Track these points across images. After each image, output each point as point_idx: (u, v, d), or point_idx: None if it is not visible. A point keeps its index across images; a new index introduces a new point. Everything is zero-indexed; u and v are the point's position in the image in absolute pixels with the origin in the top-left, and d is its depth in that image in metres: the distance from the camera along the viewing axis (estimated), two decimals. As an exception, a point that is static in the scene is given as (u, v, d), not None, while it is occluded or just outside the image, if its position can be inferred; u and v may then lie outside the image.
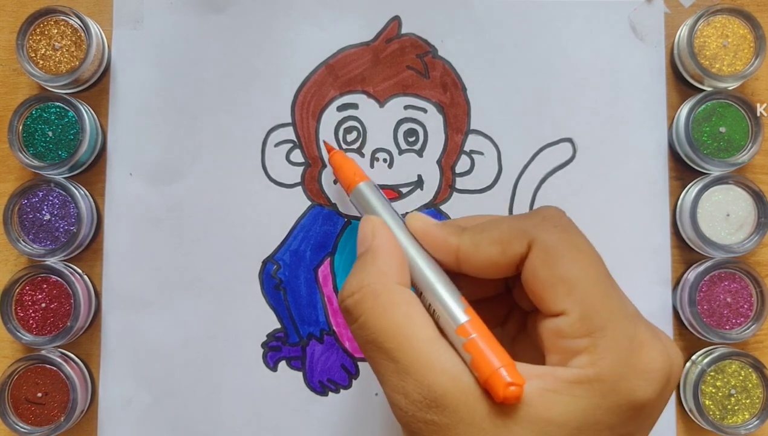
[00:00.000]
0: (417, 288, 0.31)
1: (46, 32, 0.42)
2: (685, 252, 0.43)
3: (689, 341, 0.43)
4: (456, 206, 0.43)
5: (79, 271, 0.42)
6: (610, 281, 0.30)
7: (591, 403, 0.27)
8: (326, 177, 0.43)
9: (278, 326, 0.42)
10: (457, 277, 0.32)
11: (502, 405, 0.27)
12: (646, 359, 0.28)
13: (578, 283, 0.28)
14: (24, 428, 0.40)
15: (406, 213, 0.36)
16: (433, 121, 0.43)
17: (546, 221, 0.30)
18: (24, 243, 0.41)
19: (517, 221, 0.31)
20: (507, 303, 0.35)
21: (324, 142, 0.42)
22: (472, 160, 0.43)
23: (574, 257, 0.29)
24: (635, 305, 0.30)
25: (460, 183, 0.43)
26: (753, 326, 0.41)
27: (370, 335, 0.29)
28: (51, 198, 0.41)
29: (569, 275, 0.29)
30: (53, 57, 0.42)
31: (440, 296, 0.30)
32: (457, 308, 0.29)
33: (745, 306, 0.41)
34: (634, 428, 0.28)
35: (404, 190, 0.43)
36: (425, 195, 0.43)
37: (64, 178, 0.42)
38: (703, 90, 0.42)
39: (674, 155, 0.43)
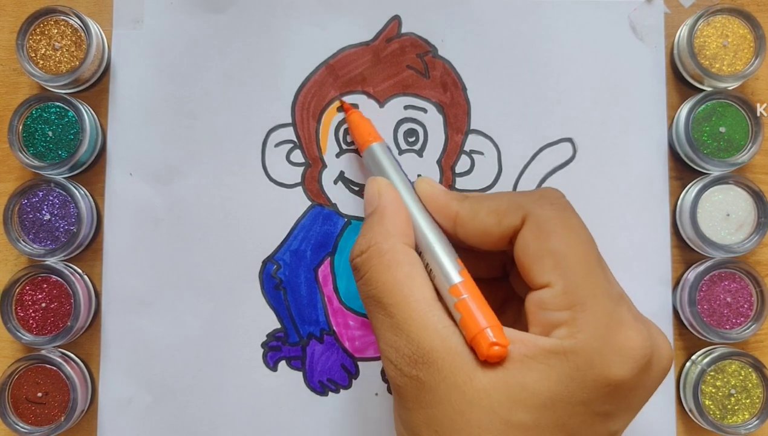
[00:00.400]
0: (418, 247, 0.32)
1: (46, 32, 0.42)
2: (685, 252, 0.43)
3: (689, 341, 0.43)
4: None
5: (79, 271, 0.42)
6: (598, 261, 0.30)
7: (565, 374, 0.28)
8: (326, 177, 0.43)
9: (278, 325, 0.42)
10: (457, 251, 0.33)
11: (485, 369, 0.28)
12: (623, 338, 0.28)
13: (565, 257, 0.29)
14: (24, 428, 0.40)
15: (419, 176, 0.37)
16: (433, 121, 0.43)
17: (543, 199, 0.32)
18: (24, 243, 0.41)
19: (516, 195, 0.33)
20: (504, 290, 0.36)
21: (341, 101, 0.42)
22: (472, 160, 0.43)
23: (565, 234, 0.30)
24: (622, 289, 0.31)
25: (460, 183, 0.43)
26: (753, 326, 0.41)
27: (371, 291, 0.31)
28: (51, 198, 0.41)
29: (557, 249, 0.30)
30: (53, 57, 0.42)
31: (438, 256, 0.32)
32: (452, 269, 0.31)
33: (745, 306, 0.41)
34: (610, 407, 0.28)
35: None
36: (425, 195, 0.43)
37: (64, 178, 0.42)
38: (703, 90, 0.42)
39: (674, 155, 0.43)
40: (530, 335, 0.29)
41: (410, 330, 0.29)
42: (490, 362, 0.28)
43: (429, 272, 0.31)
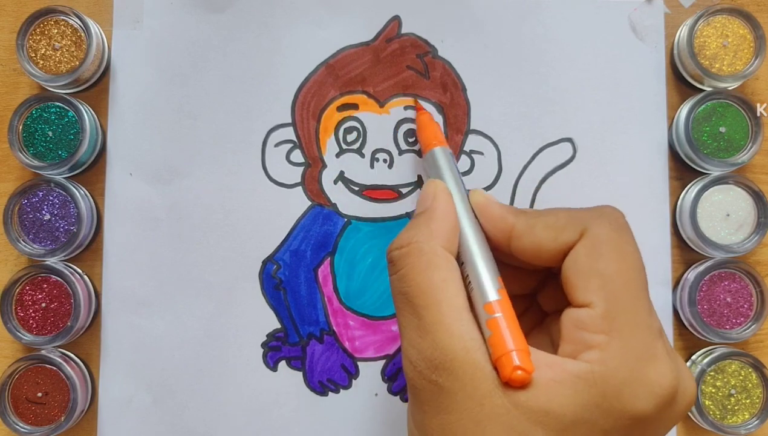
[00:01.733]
0: (460, 258, 0.32)
1: (46, 32, 0.42)
2: (685, 252, 0.43)
3: (689, 341, 0.43)
4: (456, 206, 0.43)
5: (79, 271, 0.42)
6: (644, 290, 0.30)
7: (591, 400, 0.27)
8: (326, 177, 0.43)
9: (278, 325, 0.42)
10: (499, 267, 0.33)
11: (506, 389, 0.27)
12: (654, 373, 0.28)
13: (612, 281, 0.29)
14: (24, 428, 0.40)
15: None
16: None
17: (603, 217, 0.31)
18: (24, 243, 0.41)
19: (574, 211, 0.32)
20: (524, 304, 0.35)
21: (415, 101, 0.42)
22: (472, 160, 0.43)
23: (618, 257, 0.30)
24: (661, 324, 0.30)
25: (460, 183, 0.43)
26: (753, 326, 0.41)
27: (404, 288, 0.30)
28: (51, 198, 0.41)
29: (607, 271, 0.29)
30: (53, 57, 0.42)
31: (479, 269, 0.31)
32: (491, 285, 0.30)
33: (745, 306, 0.41)
34: None
35: (404, 190, 0.43)
36: (425, 195, 0.43)
37: (64, 178, 0.42)
38: (703, 90, 0.42)
39: (674, 155, 0.43)
40: (559, 359, 0.28)
41: (436, 334, 0.29)
42: (511, 385, 0.27)
43: (467, 284, 0.31)
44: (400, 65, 0.43)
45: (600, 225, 0.30)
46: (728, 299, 0.41)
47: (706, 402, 0.41)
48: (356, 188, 0.43)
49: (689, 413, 0.41)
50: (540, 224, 0.31)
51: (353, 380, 0.42)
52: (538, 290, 0.35)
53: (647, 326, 0.29)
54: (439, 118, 0.43)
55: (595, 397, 0.27)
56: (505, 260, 0.33)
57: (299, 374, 0.42)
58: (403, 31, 0.43)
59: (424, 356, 0.29)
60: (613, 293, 0.29)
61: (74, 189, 0.41)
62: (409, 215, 0.43)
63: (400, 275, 0.31)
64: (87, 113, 0.42)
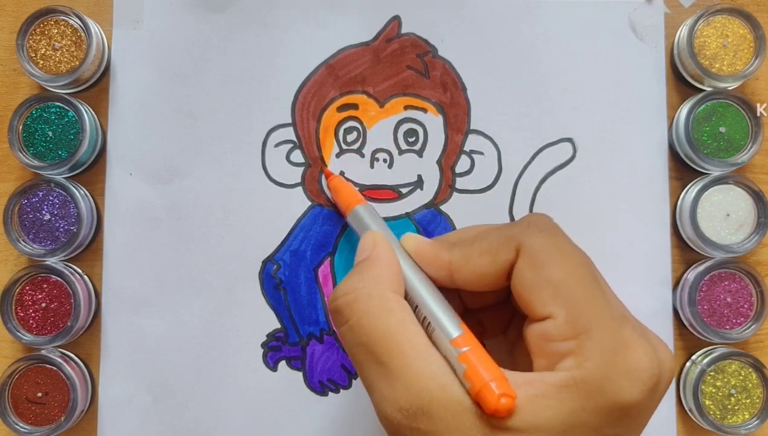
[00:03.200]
0: (412, 302, 0.31)
1: (46, 32, 0.42)
2: (685, 252, 0.43)
3: (689, 341, 0.43)
4: (456, 206, 0.43)
5: (79, 271, 0.42)
6: (597, 283, 0.30)
7: (577, 405, 0.27)
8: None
9: (278, 326, 0.42)
10: (456, 290, 0.33)
11: (491, 418, 0.27)
12: (631, 360, 0.28)
13: (563, 286, 0.29)
14: (24, 428, 0.40)
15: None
16: (433, 121, 0.43)
17: (532, 227, 0.31)
18: (24, 243, 0.41)
19: (503, 229, 0.31)
20: (510, 310, 0.35)
21: (323, 168, 0.42)
22: (472, 160, 0.43)
23: (560, 261, 0.29)
24: (625, 306, 0.30)
25: (460, 183, 0.43)
26: (753, 326, 0.41)
27: (361, 338, 0.29)
28: (51, 198, 0.41)
29: (554, 278, 0.29)
30: (53, 57, 0.42)
31: (435, 308, 0.31)
32: (452, 322, 0.30)
33: (745, 306, 0.41)
34: (621, 429, 0.28)
35: (404, 190, 0.43)
36: (425, 195, 0.43)
37: (64, 178, 0.42)
38: (703, 90, 0.42)
39: (674, 155, 0.43)
40: (536, 375, 0.28)
41: (407, 379, 0.28)
42: (498, 415, 0.27)
43: (427, 326, 0.30)
44: (400, 65, 0.43)
45: (532, 236, 0.30)
46: (728, 299, 0.41)
47: (706, 402, 0.41)
48: (356, 188, 0.43)
49: (689, 413, 0.42)
50: (475, 253, 0.31)
51: (353, 380, 0.42)
52: (506, 296, 0.34)
53: (611, 317, 0.28)
54: (439, 118, 0.43)
55: (580, 401, 0.27)
56: (453, 290, 0.33)
57: (299, 374, 0.42)
58: (403, 31, 0.43)
59: (398, 407, 0.28)
60: (567, 296, 0.28)
61: (74, 189, 0.41)
62: (409, 215, 0.43)
63: (351, 324, 0.30)
64: (87, 113, 0.42)
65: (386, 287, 0.31)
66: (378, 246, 0.33)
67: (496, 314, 0.35)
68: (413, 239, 0.34)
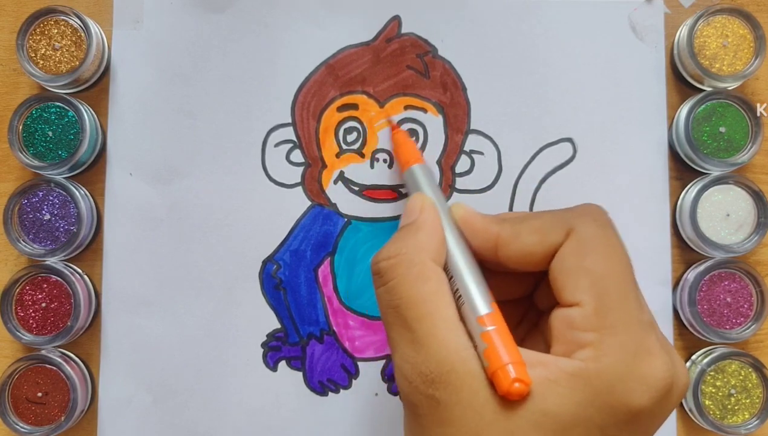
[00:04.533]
0: (449, 272, 0.32)
1: (46, 32, 0.42)
2: (685, 252, 0.43)
3: (689, 341, 0.43)
4: (456, 206, 0.43)
5: (79, 271, 0.42)
6: (633, 285, 0.30)
7: (586, 398, 0.27)
8: (326, 177, 0.43)
9: (278, 325, 0.42)
10: (488, 276, 0.32)
11: (502, 397, 0.27)
12: (648, 367, 0.28)
13: (601, 278, 0.29)
14: (24, 428, 0.40)
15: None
16: (433, 121, 0.43)
17: (586, 215, 0.31)
18: (24, 243, 0.41)
19: (558, 212, 0.32)
20: (524, 306, 0.35)
21: (389, 120, 0.42)
22: (472, 160, 0.43)
23: (605, 253, 0.30)
24: (653, 315, 0.30)
25: (460, 183, 0.43)
26: (753, 326, 0.41)
27: (395, 301, 0.30)
28: (51, 198, 0.41)
29: (595, 269, 0.29)
30: (53, 57, 0.42)
31: (469, 283, 0.31)
32: (482, 299, 0.30)
33: (745, 306, 0.41)
34: (626, 434, 0.28)
35: (404, 190, 0.43)
36: (425, 195, 0.43)
37: (64, 178, 0.42)
38: (703, 90, 0.42)
39: (674, 155, 0.43)
40: (552, 358, 0.28)
41: (431, 347, 0.28)
42: (509, 398, 0.27)
43: (458, 299, 0.31)
44: (400, 65, 0.43)
45: (585, 223, 0.30)
46: (728, 299, 0.41)
47: (706, 402, 0.41)
48: (356, 188, 0.43)
49: (689, 413, 0.42)
50: (525, 230, 0.31)
51: (353, 380, 0.42)
52: (534, 290, 0.35)
53: (638, 321, 0.29)
54: (439, 118, 0.43)
55: (591, 394, 0.27)
56: (494, 268, 0.33)
57: (299, 374, 0.42)
58: (403, 31, 0.43)
59: (418, 371, 0.28)
60: (602, 290, 0.29)
61: (74, 189, 0.41)
62: (409, 215, 0.43)
63: (389, 287, 0.30)
64: (87, 113, 0.42)
65: (427, 255, 0.31)
66: (424, 211, 0.33)
67: (511, 310, 0.35)
68: (463, 209, 0.34)
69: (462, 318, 0.30)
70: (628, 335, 0.28)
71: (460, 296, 0.31)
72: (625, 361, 0.28)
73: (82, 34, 0.42)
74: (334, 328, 0.42)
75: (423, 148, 0.43)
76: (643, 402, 0.27)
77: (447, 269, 0.32)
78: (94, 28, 0.42)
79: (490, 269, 0.33)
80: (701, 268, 0.41)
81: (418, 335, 0.29)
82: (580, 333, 0.28)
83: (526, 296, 0.35)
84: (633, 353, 0.28)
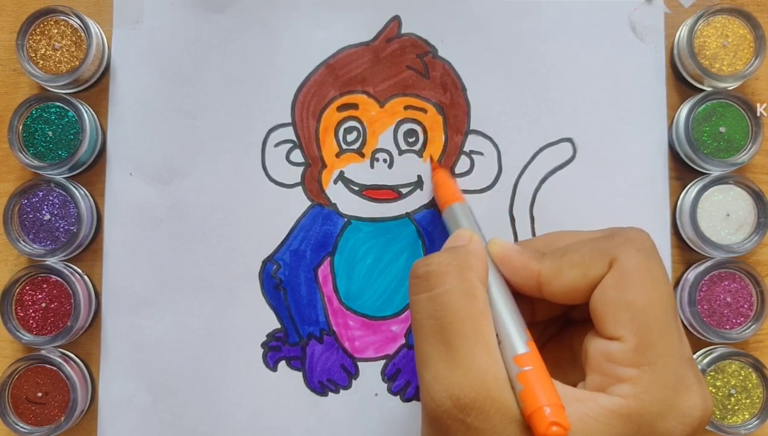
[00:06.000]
0: None
1: (46, 32, 0.42)
2: (685, 252, 0.43)
3: (689, 341, 0.42)
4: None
5: (79, 271, 0.42)
6: (674, 317, 0.29)
7: (625, 434, 0.27)
8: (326, 177, 0.43)
9: (278, 326, 0.42)
10: (531, 299, 0.32)
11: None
12: (688, 404, 0.27)
13: (642, 312, 0.28)
14: (24, 428, 0.40)
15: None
16: (433, 121, 0.43)
17: (629, 243, 0.30)
18: (24, 243, 0.41)
19: (599, 242, 0.30)
20: (552, 329, 0.35)
21: (431, 158, 0.42)
22: (472, 161, 0.43)
23: (648, 287, 0.29)
24: (689, 346, 0.30)
25: (460, 183, 0.43)
26: (753, 326, 0.41)
27: (438, 311, 0.28)
28: (51, 198, 0.41)
29: (637, 303, 0.28)
30: (53, 57, 0.42)
31: (507, 320, 0.30)
32: (520, 337, 0.29)
33: (745, 306, 0.41)
34: None
35: (404, 190, 0.43)
36: (425, 195, 0.43)
37: (64, 178, 0.42)
38: (703, 90, 0.42)
39: (674, 155, 0.43)
40: (590, 394, 0.28)
41: (470, 370, 0.27)
42: None
43: (496, 335, 0.30)
44: (400, 65, 0.43)
45: (627, 253, 0.29)
46: (728, 299, 0.41)
47: (706, 402, 0.41)
48: (356, 188, 0.43)
49: (689, 413, 0.42)
50: (566, 265, 0.30)
51: (353, 380, 0.42)
52: (572, 310, 0.34)
53: (679, 356, 0.28)
54: (439, 118, 0.43)
55: (629, 431, 0.27)
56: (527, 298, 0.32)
57: (299, 374, 0.42)
58: (403, 31, 0.43)
59: (451, 393, 0.27)
60: (644, 325, 0.28)
61: (74, 189, 0.41)
62: (409, 215, 0.43)
63: (435, 294, 0.29)
64: (87, 113, 0.42)
65: (476, 275, 0.30)
66: (474, 242, 0.33)
67: (540, 330, 0.34)
68: (500, 246, 0.33)
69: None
70: (668, 371, 0.28)
71: (497, 333, 0.30)
72: (665, 399, 0.27)
73: (82, 34, 0.42)
74: (334, 328, 0.42)
75: (423, 148, 0.43)
76: (679, 435, 0.27)
77: None
78: (94, 28, 0.42)
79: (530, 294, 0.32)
80: (701, 268, 0.41)
81: (456, 353, 0.28)
82: (619, 368, 0.28)
83: (557, 318, 0.34)
84: (673, 389, 0.27)
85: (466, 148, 0.43)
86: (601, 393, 0.28)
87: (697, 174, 0.43)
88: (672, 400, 0.27)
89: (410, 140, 0.43)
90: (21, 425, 0.40)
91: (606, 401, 0.27)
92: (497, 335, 0.29)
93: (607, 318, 0.29)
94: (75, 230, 0.41)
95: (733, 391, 0.41)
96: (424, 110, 0.43)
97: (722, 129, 0.42)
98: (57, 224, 0.41)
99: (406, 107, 0.43)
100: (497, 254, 0.33)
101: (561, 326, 0.34)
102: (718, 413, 0.41)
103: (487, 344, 0.28)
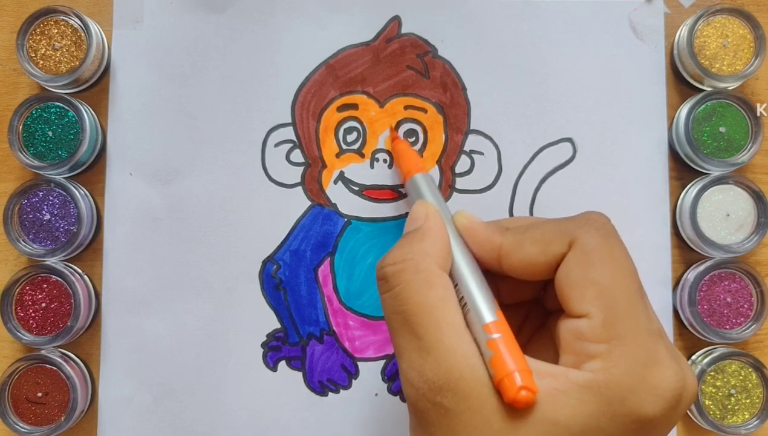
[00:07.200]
0: (453, 280, 0.32)
1: (46, 32, 0.42)
2: (685, 252, 0.43)
3: (689, 341, 0.43)
4: (456, 206, 0.42)
5: (79, 271, 0.42)
6: (641, 293, 0.30)
7: (597, 409, 0.27)
8: (326, 177, 0.43)
9: (278, 326, 0.42)
10: (496, 280, 0.32)
11: (509, 405, 0.27)
12: (659, 377, 0.28)
13: (608, 289, 0.29)
14: (24, 428, 0.40)
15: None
16: (433, 121, 0.43)
17: (589, 224, 0.30)
18: (24, 243, 0.41)
19: (560, 222, 0.31)
20: (532, 306, 0.35)
21: (391, 128, 0.42)
22: (472, 160, 0.43)
23: (610, 264, 0.29)
24: (660, 323, 0.30)
25: (460, 183, 0.43)
26: (753, 326, 0.41)
27: (401, 307, 0.30)
28: (51, 198, 0.41)
29: (601, 280, 0.29)
30: (53, 57, 0.42)
31: (474, 291, 0.31)
32: (488, 306, 0.30)
33: (745, 306, 0.41)
34: None
35: (404, 190, 0.43)
36: (425, 195, 0.43)
37: (64, 178, 0.42)
38: (703, 90, 0.42)
39: (674, 155, 0.43)
40: (562, 369, 0.28)
41: (438, 354, 0.28)
42: (516, 406, 0.27)
43: (463, 306, 0.31)
44: (400, 65, 0.43)
45: (588, 233, 0.30)
46: (728, 299, 0.41)
47: (706, 402, 0.41)
48: (356, 188, 0.43)
49: (689, 413, 0.42)
50: (527, 240, 0.31)
51: (353, 380, 0.42)
52: (543, 293, 0.35)
53: (647, 330, 0.28)
54: (439, 118, 0.43)
55: (601, 405, 0.27)
56: (498, 275, 0.33)
57: (299, 374, 0.42)
58: (403, 31, 0.43)
59: (425, 378, 0.28)
60: (609, 301, 0.29)
61: (74, 189, 0.41)
62: (409, 215, 0.43)
63: (395, 292, 0.30)
64: (87, 113, 0.42)
65: (433, 262, 0.31)
66: (429, 218, 0.33)
67: (516, 308, 0.35)
68: (466, 218, 0.34)
69: (468, 326, 0.30)
70: (637, 345, 0.28)
71: (465, 303, 0.30)
72: (635, 372, 0.27)
73: (82, 34, 0.42)
74: (334, 328, 0.42)
75: (423, 148, 0.43)
76: (654, 412, 0.27)
77: (451, 276, 0.32)
78: (94, 28, 0.42)
79: (497, 274, 0.33)
80: (701, 268, 0.41)
81: (424, 342, 0.29)
82: (588, 344, 0.28)
83: (536, 299, 0.35)
84: (643, 363, 0.28)
85: (467, 148, 0.43)
86: (573, 369, 0.28)
87: (697, 174, 0.43)
88: (642, 373, 0.28)
89: (410, 140, 0.43)
90: (21, 425, 0.40)
91: (576, 376, 0.28)
92: (466, 305, 0.30)
93: (573, 296, 0.29)
94: (75, 230, 0.41)
95: (733, 391, 0.41)
96: (424, 110, 0.43)
97: (722, 129, 0.42)
98: (57, 224, 0.41)
99: (406, 107, 0.43)
100: (462, 226, 0.33)
101: (542, 319, 0.34)
102: (718, 413, 0.41)
103: (452, 326, 0.29)
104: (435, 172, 0.43)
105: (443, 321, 0.29)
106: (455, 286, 0.31)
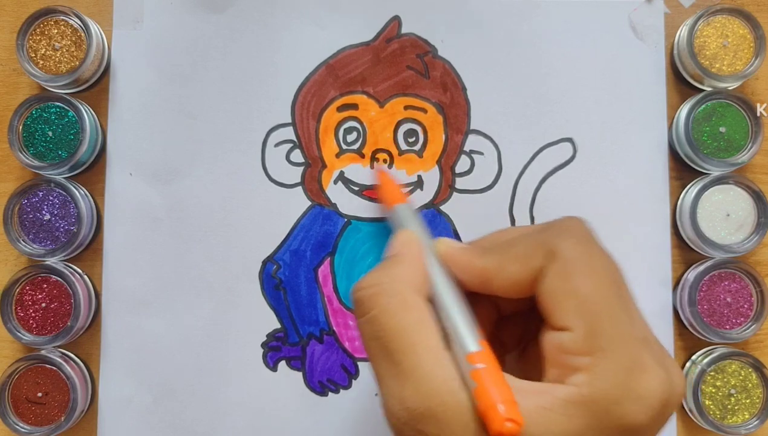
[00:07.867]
0: (436, 310, 0.31)
1: (46, 32, 0.42)
2: (685, 252, 0.43)
3: (689, 341, 0.43)
4: (456, 206, 0.43)
5: (79, 271, 0.42)
6: (623, 300, 0.29)
7: (584, 423, 0.27)
8: (326, 177, 0.43)
9: (278, 326, 0.42)
10: (490, 297, 0.32)
11: None
12: (644, 385, 0.27)
13: (588, 300, 0.28)
14: (24, 428, 0.40)
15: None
16: (433, 121, 0.43)
17: (564, 232, 0.30)
18: (24, 243, 0.41)
19: (536, 234, 0.31)
20: (527, 316, 0.35)
21: (376, 166, 0.42)
22: (472, 160, 0.43)
23: (588, 273, 0.29)
24: (648, 326, 0.29)
25: (460, 183, 0.43)
26: (753, 326, 0.41)
27: (377, 332, 0.29)
28: (51, 198, 0.41)
29: (580, 291, 0.28)
30: (53, 57, 0.42)
31: (457, 320, 0.30)
32: (470, 336, 0.29)
33: (745, 306, 0.41)
34: None
35: (404, 190, 0.43)
36: (425, 195, 0.43)
37: (64, 178, 0.42)
38: (703, 90, 0.42)
39: (674, 155, 0.43)
40: (546, 386, 0.28)
41: (417, 380, 0.27)
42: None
43: (446, 336, 0.30)
44: (400, 65, 0.43)
45: (566, 242, 0.29)
46: (728, 299, 0.41)
47: (706, 402, 0.41)
48: (356, 188, 0.43)
49: (689, 413, 0.42)
50: (507, 260, 0.30)
51: (353, 380, 0.42)
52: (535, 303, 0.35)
53: (631, 338, 0.28)
54: (439, 118, 0.43)
55: (587, 419, 0.27)
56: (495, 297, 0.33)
57: (299, 374, 0.42)
58: (403, 31, 0.43)
59: (405, 406, 0.27)
60: (591, 312, 0.28)
61: (74, 189, 0.41)
62: (409, 215, 0.43)
63: (370, 317, 0.29)
64: (87, 113, 0.42)
65: (408, 286, 0.30)
66: (407, 245, 0.33)
67: (516, 322, 0.34)
68: (445, 244, 0.33)
69: (453, 355, 0.29)
70: (621, 354, 0.27)
71: (449, 333, 0.30)
72: (619, 382, 0.27)
73: (82, 34, 0.42)
74: (334, 328, 0.42)
75: (423, 148, 0.43)
76: (641, 421, 0.27)
77: (434, 306, 0.31)
78: (94, 28, 0.42)
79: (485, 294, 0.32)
80: (701, 268, 0.41)
81: (401, 367, 0.28)
82: (572, 357, 0.28)
83: (534, 308, 0.35)
84: (627, 372, 0.27)
85: (467, 148, 0.43)
86: (557, 384, 0.28)
87: (697, 174, 0.43)
88: (626, 383, 0.27)
89: (410, 140, 0.43)
90: (21, 425, 0.40)
91: (561, 392, 0.27)
92: (450, 336, 0.30)
93: (554, 309, 0.29)
94: (75, 230, 0.41)
95: (733, 391, 0.41)
96: (424, 110, 0.43)
97: (722, 129, 0.42)
98: (57, 224, 0.41)
99: (406, 107, 0.43)
100: (442, 254, 0.33)
101: (535, 333, 0.34)
102: (718, 413, 0.41)
103: (430, 349, 0.28)
104: (435, 172, 0.43)
105: (420, 345, 0.28)
106: (439, 315, 0.31)
